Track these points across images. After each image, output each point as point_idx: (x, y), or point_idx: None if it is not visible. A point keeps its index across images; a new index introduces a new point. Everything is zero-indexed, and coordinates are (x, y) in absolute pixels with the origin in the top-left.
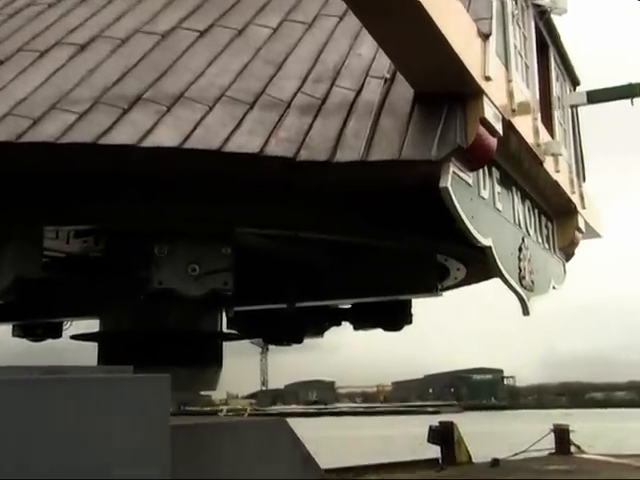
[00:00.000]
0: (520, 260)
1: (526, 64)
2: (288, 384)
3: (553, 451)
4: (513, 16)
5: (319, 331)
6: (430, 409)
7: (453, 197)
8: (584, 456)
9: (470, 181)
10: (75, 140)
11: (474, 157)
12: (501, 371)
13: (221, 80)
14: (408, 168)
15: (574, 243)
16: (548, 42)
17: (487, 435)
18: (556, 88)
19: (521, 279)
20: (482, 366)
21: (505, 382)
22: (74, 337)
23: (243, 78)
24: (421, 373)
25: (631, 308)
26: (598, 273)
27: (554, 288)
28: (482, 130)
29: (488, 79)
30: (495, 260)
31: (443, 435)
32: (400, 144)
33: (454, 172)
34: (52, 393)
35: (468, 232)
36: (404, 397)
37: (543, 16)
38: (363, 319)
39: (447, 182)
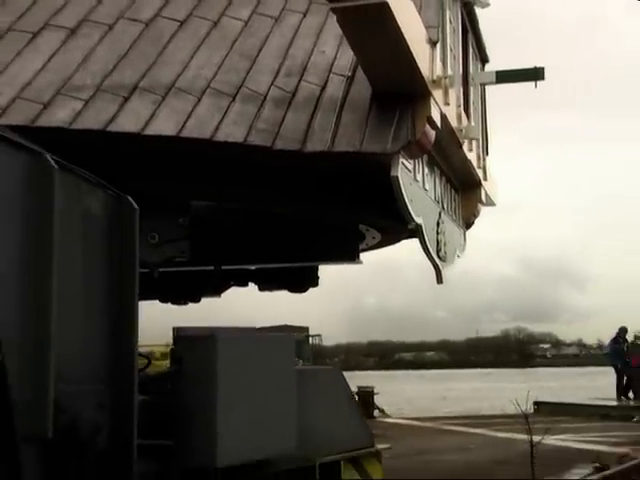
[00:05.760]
0: (438, 234)
1: (454, 56)
2: None
3: None
4: (450, 22)
5: (218, 291)
6: None
7: (400, 184)
8: (388, 420)
9: (410, 167)
10: (86, 127)
11: (418, 149)
12: (307, 329)
13: (205, 72)
14: (366, 158)
15: (475, 214)
16: (468, 28)
17: None
18: (471, 67)
19: (438, 251)
20: (285, 323)
21: (310, 341)
22: None
23: (224, 70)
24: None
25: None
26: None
27: (458, 257)
28: (427, 127)
29: (434, 82)
30: (423, 236)
31: None
32: (360, 138)
33: (402, 162)
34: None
35: (407, 213)
36: None
37: (467, 6)
38: (268, 280)
39: (397, 172)
